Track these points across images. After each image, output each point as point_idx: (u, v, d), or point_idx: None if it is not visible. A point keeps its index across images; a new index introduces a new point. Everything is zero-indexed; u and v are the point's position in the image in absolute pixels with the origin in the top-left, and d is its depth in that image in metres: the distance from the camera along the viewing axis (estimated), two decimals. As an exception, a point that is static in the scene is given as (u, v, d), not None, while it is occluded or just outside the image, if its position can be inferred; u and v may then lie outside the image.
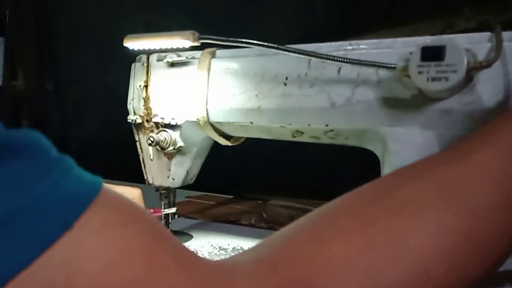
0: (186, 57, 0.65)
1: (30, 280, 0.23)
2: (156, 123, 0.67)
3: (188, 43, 0.57)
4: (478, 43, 0.45)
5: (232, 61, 0.61)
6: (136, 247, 0.26)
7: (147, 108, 0.67)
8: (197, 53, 0.64)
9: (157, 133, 0.66)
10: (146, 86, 0.67)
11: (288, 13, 1.07)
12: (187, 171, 0.70)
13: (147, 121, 0.68)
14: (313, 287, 0.27)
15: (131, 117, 0.69)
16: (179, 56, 0.65)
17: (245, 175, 1.11)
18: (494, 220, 0.29)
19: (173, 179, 0.69)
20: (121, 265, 0.25)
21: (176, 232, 0.73)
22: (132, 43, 0.62)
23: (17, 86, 1.53)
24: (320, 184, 1.02)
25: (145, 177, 0.72)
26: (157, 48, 0.62)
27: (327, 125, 0.54)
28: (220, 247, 0.68)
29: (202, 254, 0.65)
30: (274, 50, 0.52)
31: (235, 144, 0.68)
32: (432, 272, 0.27)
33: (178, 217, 0.72)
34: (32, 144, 0.25)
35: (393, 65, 0.47)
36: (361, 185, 0.34)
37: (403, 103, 0.48)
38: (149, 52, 0.66)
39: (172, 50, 0.65)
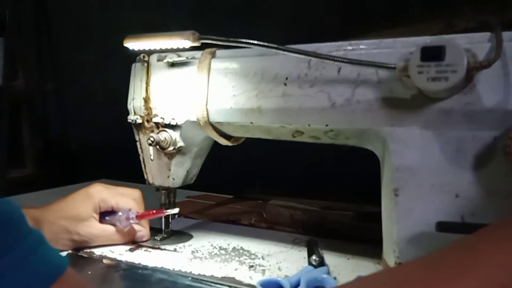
0: (186, 57, 0.65)
1: None
2: (156, 123, 0.67)
3: (188, 43, 0.57)
4: (478, 43, 0.45)
5: (232, 61, 0.61)
6: None
7: (147, 108, 0.67)
8: (197, 53, 0.64)
9: (157, 133, 0.66)
10: (146, 86, 0.67)
11: (288, 13, 1.07)
12: (187, 171, 0.70)
13: (147, 121, 0.68)
14: None
15: (131, 117, 0.69)
16: (179, 56, 0.65)
17: (245, 175, 1.11)
18: None
19: (173, 179, 0.69)
20: None
21: (176, 232, 0.73)
22: (132, 43, 0.62)
23: (17, 86, 1.53)
24: (320, 184, 1.02)
25: (145, 177, 0.72)
26: (157, 48, 0.62)
27: (327, 125, 0.54)
28: (220, 247, 0.68)
29: (202, 254, 0.66)
30: (274, 50, 0.52)
31: (235, 144, 0.69)
32: None
33: (178, 217, 0.72)
34: (2, 216, 0.25)
35: (393, 65, 0.47)
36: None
37: (403, 103, 0.48)
38: (149, 52, 0.66)
39: (172, 50, 0.65)
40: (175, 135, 0.66)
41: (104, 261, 0.64)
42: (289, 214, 0.80)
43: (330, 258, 0.62)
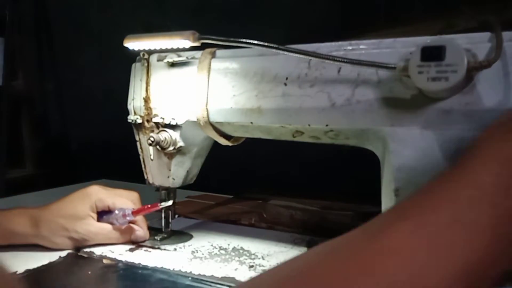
0: (186, 57, 0.65)
1: None
2: (156, 123, 0.67)
3: (188, 43, 0.57)
4: (478, 43, 0.45)
5: (232, 61, 0.61)
6: None
7: (147, 108, 0.67)
8: (197, 53, 0.64)
9: (157, 133, 0.66)
10: (146, 86, 0.67)
11: (288, 13, 1.07)
12: (187, 171, 0.70)
13: (147, 121, 0.68)
14: None
15: (131, 117, 0.69)
16: (179, 56, 0.65)
17: (245, 175, 1.11)
18: None
19: (173, 179, 0.69)
20: None
21: (176, 232, 0.74)
22: (132, 43, 0.62)
23: (17, 86, 1.53)
24: (320, 184, 1.02)
25: (145, 177, 0.72)
26: (157, 48, 0.62)
27: (327, 125, 0.54)
28: (220, 247, 0.68)
29: (202, 254, 0.66)
30: (274, 50, 0.52)
31: (235, 144, 0.68)
32: None
33: (178, 217, 0.72)
34: None
35: (393, 65, 0.47)
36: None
37: (403, 103, 0.48)
38: (149, 52, 0.66)
39: (172, 50, 0.65)
40: (175, 135, 0.66)
41: (104, 261, 0.64)
42: (289, 214, 0.80)
43: (330, 258, 0.62)
